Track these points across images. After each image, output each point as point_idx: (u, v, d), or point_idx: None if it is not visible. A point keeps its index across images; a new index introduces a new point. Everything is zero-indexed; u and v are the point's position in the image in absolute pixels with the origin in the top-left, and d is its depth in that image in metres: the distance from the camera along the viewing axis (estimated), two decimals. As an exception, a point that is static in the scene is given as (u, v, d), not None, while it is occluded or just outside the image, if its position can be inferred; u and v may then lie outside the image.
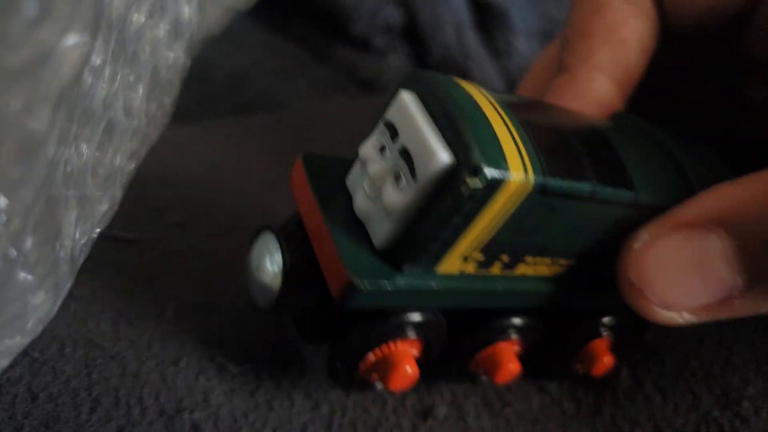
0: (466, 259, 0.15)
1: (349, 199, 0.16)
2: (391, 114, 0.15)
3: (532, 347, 0.19)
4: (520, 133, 0.14)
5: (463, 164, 0.13)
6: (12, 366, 0.17)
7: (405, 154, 0.14)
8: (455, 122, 0.14)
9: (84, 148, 0.15)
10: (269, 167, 0.27)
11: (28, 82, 0.11)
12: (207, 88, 0.34)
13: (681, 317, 0.15)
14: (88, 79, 0.13)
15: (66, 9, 0.11)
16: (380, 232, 0.15)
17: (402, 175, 0.14)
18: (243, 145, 0.29)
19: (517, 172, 0.14)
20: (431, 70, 0.17)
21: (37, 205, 0.13)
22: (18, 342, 0.14)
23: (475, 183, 0.13)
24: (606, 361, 0.20)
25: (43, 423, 0.16)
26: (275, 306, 0.17)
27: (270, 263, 0.16)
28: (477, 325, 0.18)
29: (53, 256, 0.14)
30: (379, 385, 0.17)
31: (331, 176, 0.17)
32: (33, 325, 0.14)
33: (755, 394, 0.20)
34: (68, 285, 0.15)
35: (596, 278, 0.17)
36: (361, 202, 0.16)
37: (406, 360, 0.16)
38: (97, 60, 0.14)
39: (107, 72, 0.15)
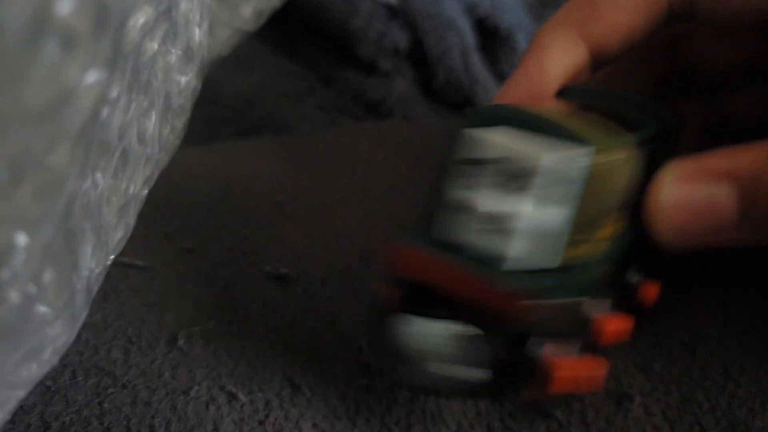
0: (570, 243, 0.17)
1: (455, 248, 0.16)
2: (470, 152, 0.16)
3: None
4: None
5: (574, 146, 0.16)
6: (25, 395, 0.17)
7: (505, 174, 0.16)
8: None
9: (100, 178, 0.15)
10: (277, 189, 0.27)
11: (51, 121, 0.11)
12: (214, 110, 0.34)
13: (684, 242, 0.19)
14: (104, 111, 0.13)
15: (86, 47, 0.11)
16: (516, 248, 0.16)
17: (511, 192, 0.16)
18: (251, 168, 0.29)
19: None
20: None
21: (56, 240, 0.13)
22: (35, 373, 0.14)
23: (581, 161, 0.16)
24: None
25: (54, 453, 0.16)
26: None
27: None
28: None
29: (70, 288, 0.14)
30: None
31: (425, 239, 0.17)
32: (50, 356, 0.14)
33: (763, 427, 0.20)
34: (84, 314, 0.15)
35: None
36: (479, 240, 0.16)
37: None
38: (113, 92, 0.14)
39: (122, 102, 0.15)
